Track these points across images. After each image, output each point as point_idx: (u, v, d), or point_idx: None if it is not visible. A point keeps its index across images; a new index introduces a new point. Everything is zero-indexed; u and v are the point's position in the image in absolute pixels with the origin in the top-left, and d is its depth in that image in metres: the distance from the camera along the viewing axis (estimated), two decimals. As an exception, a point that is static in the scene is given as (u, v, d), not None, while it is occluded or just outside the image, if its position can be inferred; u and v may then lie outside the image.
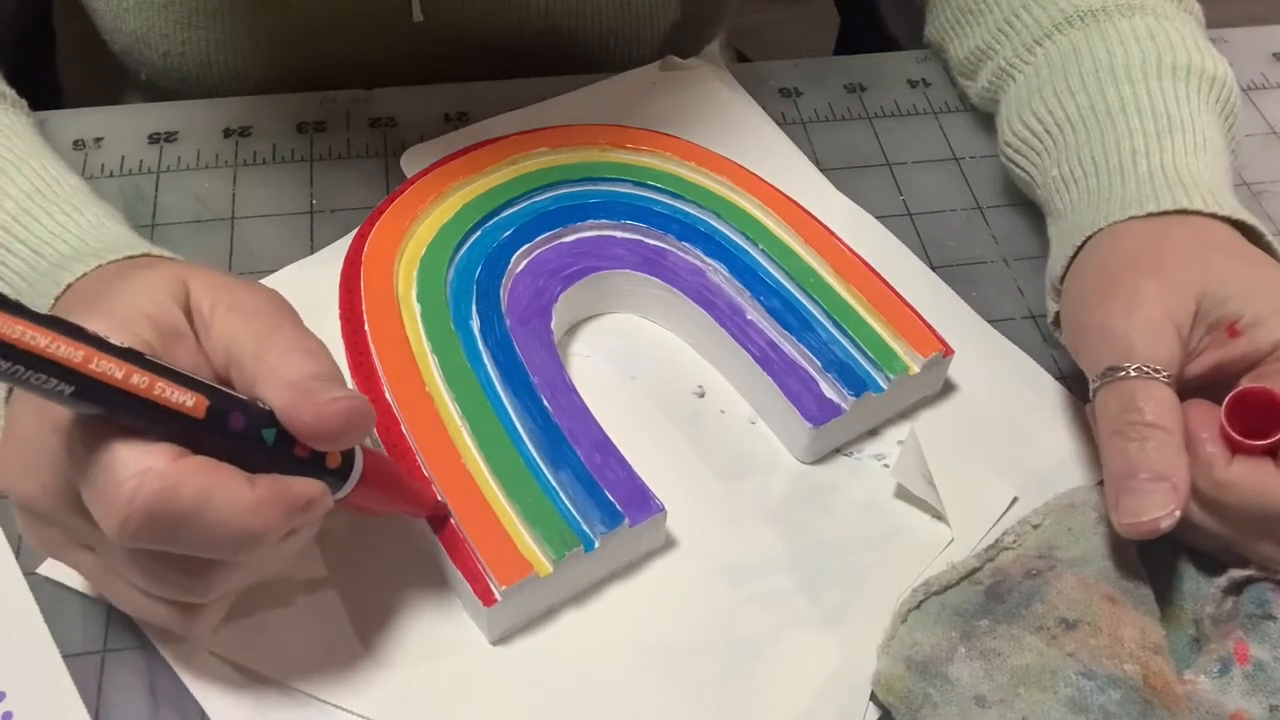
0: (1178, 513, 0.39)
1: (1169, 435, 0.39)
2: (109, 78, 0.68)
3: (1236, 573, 0.40)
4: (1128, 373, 0.41)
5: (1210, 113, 0.49)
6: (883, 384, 0.46)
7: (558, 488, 0.42)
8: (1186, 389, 0.42)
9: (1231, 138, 0.50)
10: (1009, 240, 0.56)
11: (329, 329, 0.47)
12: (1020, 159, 0.53)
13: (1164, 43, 0.50)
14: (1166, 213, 0.44)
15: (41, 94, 0.50)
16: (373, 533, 0.44)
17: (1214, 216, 0.44)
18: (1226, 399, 0.41)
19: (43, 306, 0.40)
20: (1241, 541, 0.41)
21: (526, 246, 0.49)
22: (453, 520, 0.40)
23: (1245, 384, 0.41)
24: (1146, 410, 0.40)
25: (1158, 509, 0.38)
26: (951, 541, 0.45)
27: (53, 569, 0.42)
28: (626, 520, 0.41)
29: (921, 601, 0.41)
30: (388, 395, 0.44)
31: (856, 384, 0.46)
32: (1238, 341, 0.41)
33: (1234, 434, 0.40)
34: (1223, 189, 0.46)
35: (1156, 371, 0.40)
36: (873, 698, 0.41)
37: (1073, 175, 0.49)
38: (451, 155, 0.53)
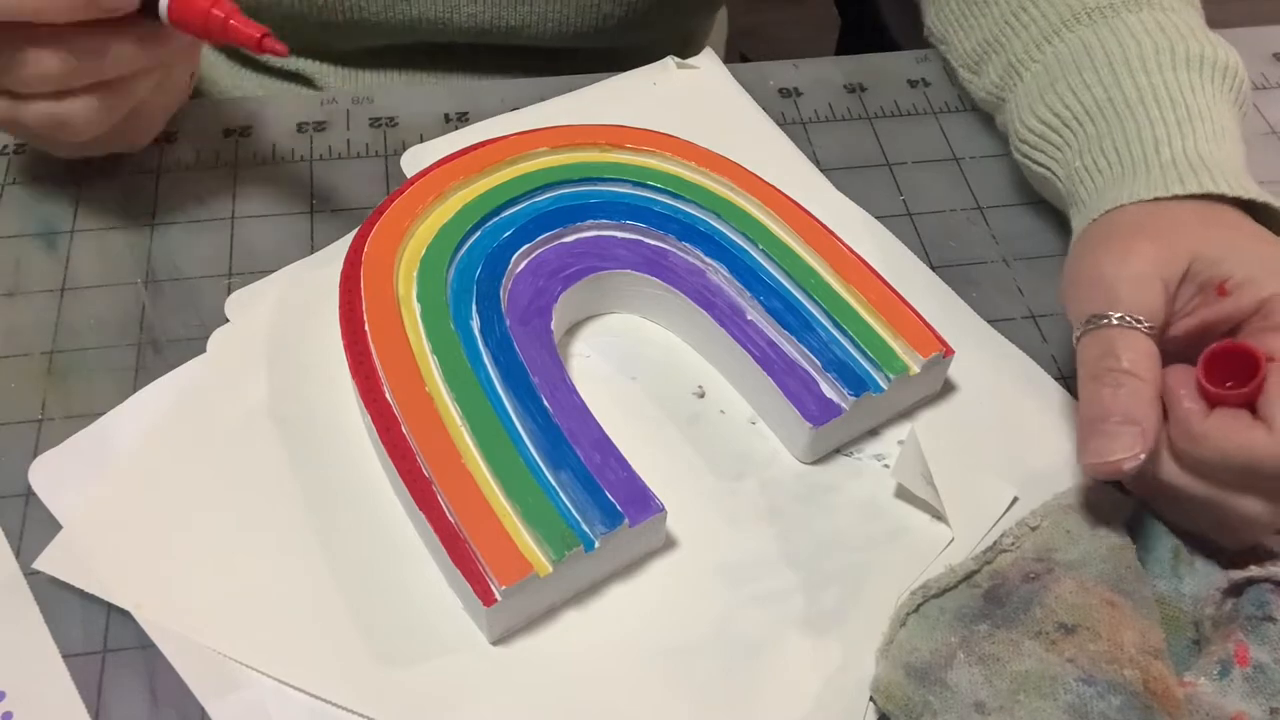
0: (1142, 455, 0.39)
1: (1143, 383, 0.40)
2: None
3: (1236, 574, 0.40)
4: (1110, 320, 0.41)
5: (1224, 102, 0.50)
6: (883, 384, 0.46)
7: (558, 488, 0.42)
8: (1174, 349, 0.42)
9: (1243, 127, 0.51)
10: (1009, 240, 0.56)
11: (329, 329, 0.47)
12: (1038, 154, 0.53)
13: (1175, 35, 0.51)
14: (1184, 196, 0.45)
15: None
16: (373, 532, 0.44)
17: (1238, 200, 0.45)
18: (1202, 354, 0.41)
19: None
20: (1225, 502, 0.41)
21: (526, 247, 0.49)
22: (452, 520, 0.40)
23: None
24: (1124, 358, 0.40)
25: (1123, 450, 0.39)
26: (951, 541, 0.45)
27: (52, 564, 0.42)
28: (626, 520, 0.41)
29: (920, 605, 0.41)
30: (388, 395, 0.44)
31: (856, 384, 0.46)
32: (1225, 300, 0.42)
33: (1208, 385, 0.40)
34: (1245, 175, 0.47)
35: (1139, 322, 0.41)
36: (872, 700, 0.41)
37: (1095, 166, 0.49)
38: (451, 155, 0.53)
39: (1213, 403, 0.40)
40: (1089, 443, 0.40)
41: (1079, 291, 0.44)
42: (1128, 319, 0.41)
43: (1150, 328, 0.41)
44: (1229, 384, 0.40)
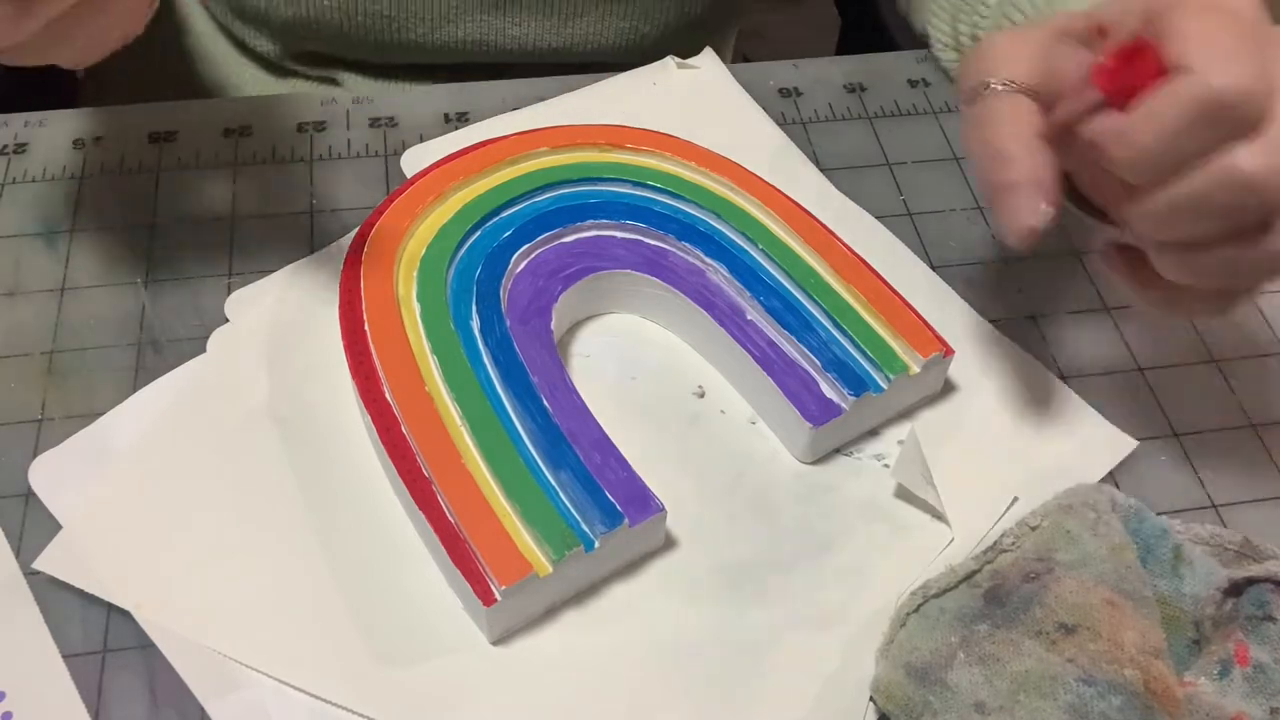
0: (1051, 210, 0.39)
1: (1030, 140, 0.39)
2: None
3: (1236, 574, 0.40)
4: (992, 88, 0.41)
5: None
6: (883, 384, 0.46)
7: (558, 488, 0.42)
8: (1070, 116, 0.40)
9: None
10: (1009, 240, 0.56)
11: (329, 329, 0.47)
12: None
13: None
14: None
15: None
16: (373, 532, 0.44)
17: None
18: (1090, 68, 0.39)
19: None
20: (1209, 192, 0.36)
21: (526, 247, 0.49)
22: (452, 520, 0.40)
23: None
24: (1005, 121, 0.40)
25: (1030, 215, 0.39)
26: (951, 541, 0.45)
27: (52, 564, 0.42)
28: (626, 520, 0.41)
29: (920, 605, 0.41)
30: (388, 395, 0.44)
31: (856, 384, 0.46)
32: (1107, 39, 0.40)
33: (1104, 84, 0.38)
34: None
35: (1013, 84, 0.40)
36: (872, 700, 0.41)
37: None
38: (451, 155, 0.53)
39: (1117, 99, 0.38)
40: (998, 218, 0.40)
41: (960, 67, 0.43)
42: (1007, 83, 0.40)
43: (1028, 87, 0.40)
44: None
